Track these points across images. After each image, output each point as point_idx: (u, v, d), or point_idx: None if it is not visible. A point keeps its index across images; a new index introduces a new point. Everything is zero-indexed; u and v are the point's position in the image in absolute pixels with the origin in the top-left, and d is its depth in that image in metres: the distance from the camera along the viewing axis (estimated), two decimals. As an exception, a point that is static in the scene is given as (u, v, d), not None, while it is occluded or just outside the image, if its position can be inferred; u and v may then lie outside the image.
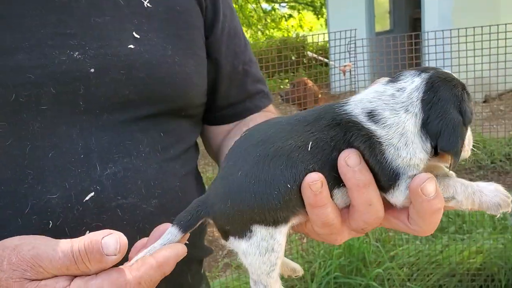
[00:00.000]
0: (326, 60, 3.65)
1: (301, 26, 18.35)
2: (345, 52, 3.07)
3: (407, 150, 0.51)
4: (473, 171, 4.48)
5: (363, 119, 0.53)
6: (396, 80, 0.55)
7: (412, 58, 4.14)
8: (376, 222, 0.57)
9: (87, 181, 0.69)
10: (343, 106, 0.55)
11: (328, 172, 0.53)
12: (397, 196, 0.53)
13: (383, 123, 0.52)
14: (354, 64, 3.12)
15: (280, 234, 0.54)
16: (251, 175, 0.52)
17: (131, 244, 0.69)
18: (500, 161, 4.54)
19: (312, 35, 3.31)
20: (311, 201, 0.54)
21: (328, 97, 6.21)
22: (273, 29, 17.30)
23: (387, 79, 0.57)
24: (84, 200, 0.68)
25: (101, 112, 0.72)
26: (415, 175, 0.52)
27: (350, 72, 3.16)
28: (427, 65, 4.30)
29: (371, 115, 0.52)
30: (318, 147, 0.52)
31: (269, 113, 0.97)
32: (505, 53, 3.32)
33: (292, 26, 18.08)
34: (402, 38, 4.01)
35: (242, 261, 0.56)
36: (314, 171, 0.52)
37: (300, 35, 14.93)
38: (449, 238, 2.98)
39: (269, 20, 17.16)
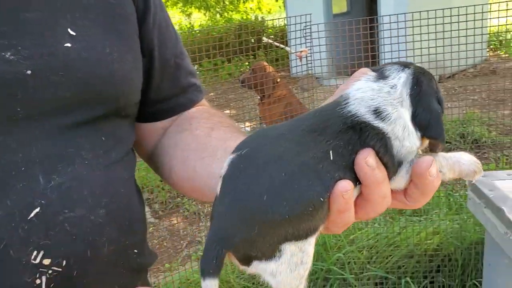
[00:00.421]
0: (282, 46, 3.62)
1: (259, 9, 18.21)
2: (301, 37, 3.04)
3: (409, 140, 0.56)
4: (428, 150, 4.59)
5: (369, 117, 0.55)
6: (384, 77, 0.58)
7: (367, 43, 4.18)
8: (384, 210, 0.61)
9: (30, 196, 0.63)
10: (345, 107, 0.56)
11: (349, 175, 0.54)
12: (399, 182, 0.57)
13: (389, 119, 0.55)
14: (310, 49, 3.10)
15: (310, 245, 0.53)
16: (281, 196, 0.50)
17: (81, 261, 0.66)
18: (455, 140, 4.66)
19: (269, 20, 3.27)
20: (341, 208, 0.54)
21: (288, 81, 6.20)
22: (232, 11, 17.10)
23: (372, 73, 0.59)
24: (29, 218, 0.63)
25: (40, 119, 0.66)
26: (412, 160, 0.56)
27: (307, 58, 3.14)
28: (383, 48, 4.34)
29: (377, 112, 0.55)
30: (338, 154, 0.53)
31: (206, 107, 0.94)
32: (458, 36, 3.39)
33: (251, 8, 17.92)
34: (358, 22, 4.04)
35: (268, 281, 0.53)
36: (340, 178, 0.53)
37: (259, 17, 14.82)
38: (406, 220, 3.04)
39: (227, 2, 16.95)
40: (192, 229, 3.99)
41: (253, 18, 15.21)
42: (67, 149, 0.67)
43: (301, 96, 4.90)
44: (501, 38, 7.64)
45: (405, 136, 0.55)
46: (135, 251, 0.75)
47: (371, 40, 4.13)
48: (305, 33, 2.92)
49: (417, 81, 0.58)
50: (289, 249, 0.51)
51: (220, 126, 0.83)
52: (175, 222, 3.85)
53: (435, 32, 3.64)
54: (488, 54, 7.60)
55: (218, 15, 16.72)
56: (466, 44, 3.60)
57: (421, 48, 3.79)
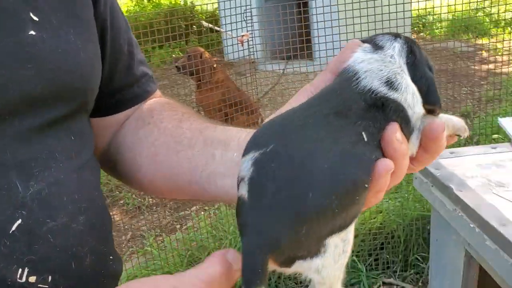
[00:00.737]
0: (223, 30, 3.54)
1: (187, -7, 17.83)
2: (241, 21, 2.99)
3: (418, 106, 0.55)
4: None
5: (384, 89, 0.53)
6: (380, 47, 0.57)
7: (300, 27, 4.21)
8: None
9: (10, 206, 0.56)
10: (358, 82, 0.53)
11: (380, 153, 0.52)
12: (411, 149, 0.57)
13: (401, 88, 0.54)
14: (252, 33, 3.05)
15: (350, 232, 0.50)
16: (328, 190, 0.45)
17: (67, 275, 0.59)
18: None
19: (198, 4, 3.19)
20: (382, 188, 0.51)
21: (223, 66, 6.11)
22: (159, -4, 16.62)
23: (367, 45, 0.57)
24: (11, 231, 0.55)
25: (12, 119, 0.58)
26: (419, 126, 0.56)
27: (248, 42, 3.10)
28: (317, 32, 4.40)
29: (389, 83, 0.53)
30: (369, 134, 0.51)
31: (163, 98, 0.86)
32: (397, 19, 3.50)
33: (179, -8, 17.51)
34: (291, 6, 4.06)
35: (311, 277, 0.49)
36: (377, 158, 0.50)
37: (188, 2, 14.53)
38: (350, 200, 3.11)
39: (153, -13, 16.44)
40: (134, 223, 3.86)
41: (182, 2, 14.88)
42: (41, 152, 0.60)
43: (238, 82, 4.85)
44: (423, 20, 8.00)
45: (414, 103, 0.54)
46: (111, 257, 0.70)
47: (304, 24, 4.16)
48: (246, 17, 2.87)
49: (410, 50, 0.58)
50: (333, 242, 0.48)
51: (188, 116, 0.77)
52: (117, 217, 3.70)
53: (368, 15, 3.74)
54: (412, 36, 7.93)
55: (145, 0, 16.20)
56: (397, 27, 3.74)
57: (354, 32, 3.87)
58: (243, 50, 3.27)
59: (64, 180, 0.62)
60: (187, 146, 0.70)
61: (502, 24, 6.46)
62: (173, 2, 15.28)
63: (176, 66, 4.20)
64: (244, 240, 0.46)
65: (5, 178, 0.56)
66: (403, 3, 3.63)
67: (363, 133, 0.50)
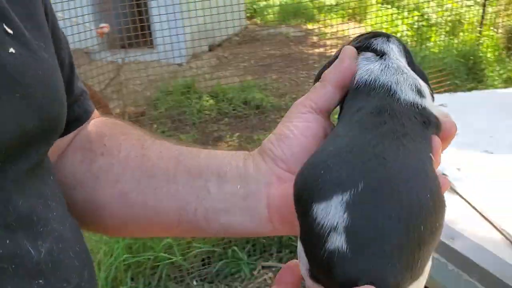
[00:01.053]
0: (80, 22, 3.20)
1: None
2: (94, 13, 2.74)
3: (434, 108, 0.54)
4: (219, 119, 4.77)
5: (418, 99, 0.50)
6: (383, 52, 0.54)
7: (141, 13, 4.05)
8: None
9: (26, 277, 0.46)
10: (399, 98, 0.49)
11: None
12: None
13: (425, 95, 0.51)
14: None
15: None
16: (438, 217, 0.43)
17: None
18: (240, 107, 4.93)
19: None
20: None
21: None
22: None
23: (367, 53, 0.54)
24: None
25: (8, 164, 0.46)
26: None
27: (108, 35, 2.87)
28: (160, 19, 4.28)
29: (418, 91, 0.51)
30: (431, 151, 0.48)
31: (106, 119, 0.72)
32: (232, 5, 3.57)
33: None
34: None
35: None
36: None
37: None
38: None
39: None
40: None
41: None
42: (37, 201, 0.49)
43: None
44: (254, 6, 8.33)
45: (433, 106, 0.53)
46: None
47: (144, 10, 4.02)
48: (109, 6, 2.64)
49: (405, 49, 0.56)
50: (428, 264, 0.45)
51: (149, 141, 0.65)
52: None
53: (209, 1, 3.78)
54: (246, 22, 8.22)
55: None
56: (240, 14, 3.85)
57: (197, 17, 3.89)
58: (104, 42, 3.01)
59: (64, 231, 0.52)
60: (165, 180, 0.60)
61: (325, 9, 7.06)
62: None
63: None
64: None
65: (15, 242, 0.45)
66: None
67: (430, 154, 0.48)
